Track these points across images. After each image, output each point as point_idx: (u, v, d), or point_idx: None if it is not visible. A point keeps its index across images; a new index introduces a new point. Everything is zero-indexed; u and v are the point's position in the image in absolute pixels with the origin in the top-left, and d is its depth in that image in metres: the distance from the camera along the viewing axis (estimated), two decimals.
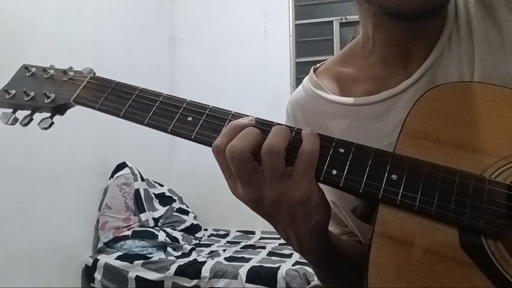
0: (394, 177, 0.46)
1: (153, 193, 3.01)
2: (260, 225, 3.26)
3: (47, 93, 0.63)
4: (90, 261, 2.52)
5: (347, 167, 0.47)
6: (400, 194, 0.45)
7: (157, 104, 0.56)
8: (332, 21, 3.48)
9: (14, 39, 2.14)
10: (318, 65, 0.75)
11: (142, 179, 2.92)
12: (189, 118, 0.54)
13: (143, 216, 2.76)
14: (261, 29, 3.55)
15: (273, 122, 0.51)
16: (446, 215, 0.43)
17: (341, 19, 3.45)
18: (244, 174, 0.47)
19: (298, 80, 3.46)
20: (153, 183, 3.12)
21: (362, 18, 0.65)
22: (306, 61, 3.49)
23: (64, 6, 2.49)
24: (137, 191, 2.81)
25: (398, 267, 0.43)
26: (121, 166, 2.84)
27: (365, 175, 0.46)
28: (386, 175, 0.46)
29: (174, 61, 3.73)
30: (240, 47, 3.58)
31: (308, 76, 0.74)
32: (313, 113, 0.70)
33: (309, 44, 3.55)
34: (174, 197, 3.21)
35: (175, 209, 3.09)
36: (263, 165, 0.46)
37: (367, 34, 0.65)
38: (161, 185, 3.21)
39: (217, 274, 2.34)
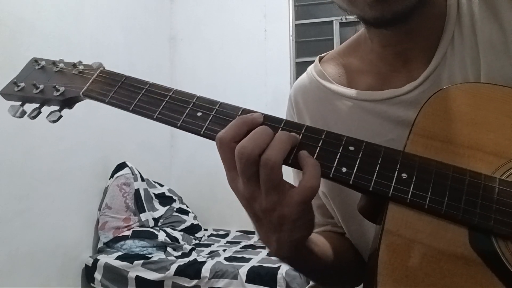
0: (404, 175, 0.46)
1: (153, 193, 3.01)
2: None
3: (57, 86, 0.63)
4: (90, 261, 2.52)
5: (357, 165, 0.47)
6: (410, 193, 0.45)
7: (167, 99, 0.56)
8: (332, 21, 3.48)
9: (14, 39, 2.14)
10: (323, 54, 0.76)
11: (142, 179, 2.92)
12: (199, 114, 0.54)
13: (143, 216, 2.75)
14: (261, 29, 3.55)
15: (282, 119, 0.51)
16: (456, 214, 0.43)
17: (341, 19, 3.46)
18: (248, 174, 0.47)
19: None
20: (153, 183, 3.12)
21: None
22: (306, 61, 3.48)
23: (64, 6, 2.49)
24: (137, 191, 2.81)
25: (407, 266, 0.43)
26: (121, 166, 2.84)
27: (375, 174, 0.46)
28: (396, 174, 0.46)
29: (174, 61, 3.72)
30: (240, 47, 3.58)
31: (313, 65, 0.75)
32: (315, 101, 0.71)
33: (309, 44, 3.55)
34: (174, 197, 3.21)
35: (175, 209, 3.09)
36: (260, 173, 0.46)
37: (365, 33, 0.67)
38: (161, 185, 3.21)
39: (217, 274, 2.34)
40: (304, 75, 0.75)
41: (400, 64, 0.63)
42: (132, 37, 3.16)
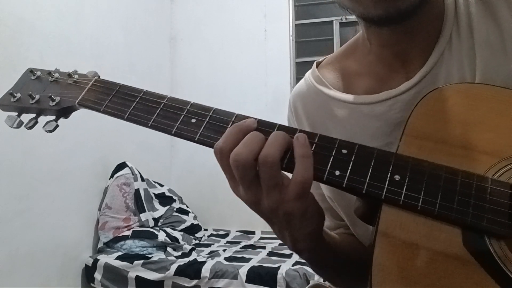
0: (397, 177, 0.46)
1: (153, 193, 3.01)
2: (260, 225, 3.26)
3: (52, 96, 0.64)
4: (90, 261, 2.52)
5: (350, 167, 0.47)
6: (403, 194, 0.45)
7: (161, 107, 0.57)
8: (332, 21, 3.48)
9: (14, 39, 2.14)
10: (321, 59, 0.76)
11: (142, 179, 2.92)
12: (193, 120, 0.54)
13: (143, 216, 2.76)
14: (261, 29, 3.55)
15: (276, 124, 0.52)
16: (449, 215, 0.43)
17: (341, 19, 3.46)
18: (247, 180, 0.48)
19: (298, 80, 3.42)
20: (153, 183, 3.12)
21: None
22: (306, 61, 3.48)
23: (64, 6, 2.49)
24: (137, 191, 2.81)
25: (402, 267, 0.43)
26: (121, 166, 2.84)
27: (368, 176, 0.46)
28: (389, 176, 0.46)
29: (174, 61, 3.72)
30: (240, 47, 3.58)
31: (310, 70, 0.75)
32: (313, 107, 0.71)
33: (309, 44, 3.55)
34: (174, 197, 3.21)
35: (175, 209, 3.09)
36: (260, 173, 0.47)
37: (364, 34, 0.66)
38: (161, 185, 3.21)
39: (217, 274, 2.34)
40: (302, 81, 0.75)
41: (398, 64, 0.63)
42: (132, 37, 3.16)
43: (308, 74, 0.74)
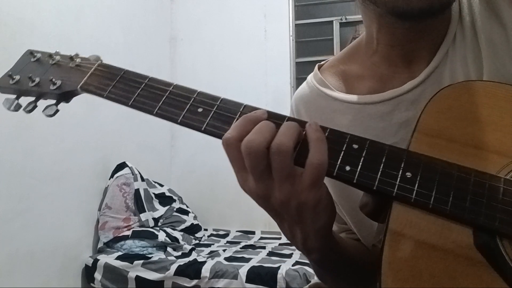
0: (408, 174, 0.45)
1: (153, 193, 3.01)
2: (260, 225, 3.25)
3: (53, 80, 0.61)
4: (90, 261, 2.51)
5: (361, 163, 0.46)
6: (414, 191, 0.44)
7: (167, 94, 0.55)
8: (332, 21, 3.48)
9: (14, 39, 2.13)
10: (322, 62, 0.75)
11: (142, 179, 2.92)
12: (200, 109, 0.52)
13: (143, 216, 2.75)
14: (261, 29, 3.55)
15: (285, 116, 0.50)
16: (461, 214, 0.43)
17: (341, 19, 3.46)
18: (258, 169, 0.46)
19: (298, 80, 3.46)
20: (153, 183, 3.11)
21: (366, 19, 0.65)
22: (306, 61, 3.49)
23: (64, 6, 2.48)
24: (137, 191, 2.80)
25: (412, 266, 0.42)
26: (121, 166, 2.84)
27: (379, 172, 0.45)
28: (400, 173, 0.45)
29: (174, 61, 3.72)
30: (240, 47, 3.58)
31: (312, 73, 0.74)
32: (316, 110, 0.70)
33: (309, 44, 3.55)
34: (174, 197, 3.20)
35: (175, 209, 3.08)
36: (272, 163, 0.45)
37: (371, 34, 0.65)
38: (161, 185, 3.20)
39: (217, 274, 2.34)
40: (304, 84, 0.74)
41: (404, 64, 0.63)
42: (132, 37, 3.16)
43: (310, 77, 0.74)
